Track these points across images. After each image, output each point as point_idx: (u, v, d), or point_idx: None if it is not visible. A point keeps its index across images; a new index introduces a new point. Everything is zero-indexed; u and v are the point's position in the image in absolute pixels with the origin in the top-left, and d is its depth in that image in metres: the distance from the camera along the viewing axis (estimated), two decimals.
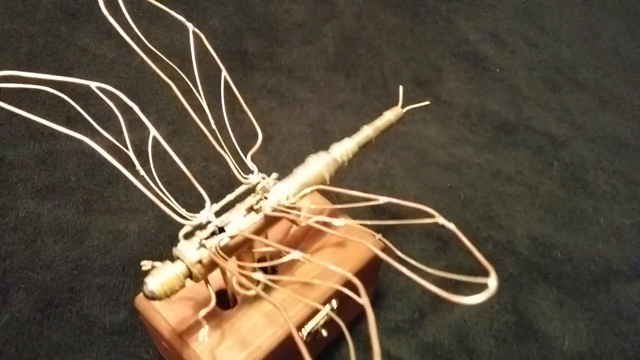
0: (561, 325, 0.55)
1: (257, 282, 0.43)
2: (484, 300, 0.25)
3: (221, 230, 0.36)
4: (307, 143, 0.73)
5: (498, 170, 0.72)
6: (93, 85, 0.36)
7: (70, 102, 0.38)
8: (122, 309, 0.54)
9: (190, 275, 0.35)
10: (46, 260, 0.58)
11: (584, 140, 0.76)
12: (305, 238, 0.47)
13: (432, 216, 0.31)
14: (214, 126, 0.39)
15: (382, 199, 0.33)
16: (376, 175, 0.70)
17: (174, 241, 0.60)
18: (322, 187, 0.40)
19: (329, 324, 0.44)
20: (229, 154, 0.39)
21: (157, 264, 0.39)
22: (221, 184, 0.67)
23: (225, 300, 0.43)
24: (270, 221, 0.38)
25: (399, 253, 0.32)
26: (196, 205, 0.39)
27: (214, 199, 0.38)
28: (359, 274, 0.45)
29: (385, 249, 0.33)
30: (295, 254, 0.32)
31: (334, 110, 0.79)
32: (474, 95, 0.83)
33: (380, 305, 0.55)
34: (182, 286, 0.35)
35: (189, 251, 0.34)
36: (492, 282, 0.25)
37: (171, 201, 0.36)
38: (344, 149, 0.43)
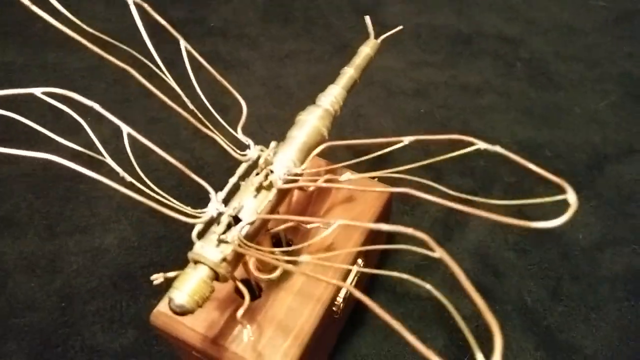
0: (572, 219, 0.55)
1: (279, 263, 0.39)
2: (570, 217, 0.23)
3: (236, 219, 0.32)
4: (266, 104, 0.68)
5: (465, 84, 0.70)
6: (38, 92, 0.30)
7: (19, 117, 0.31)
8: (128, 329, 0.50)
9: (216, 276, 0.31)
10: (26, 301, 0.51)
11: (537, 34, 0.76)
12: (311, 202, 0.43)
13: (469, 144, 0.28)
14: (191, 106, 0.34)
15: (407, 139, 0.30)
16: (348, 118, 0.66)
17: (160, 243, 0.55)
18: (333, 143, 0.36)
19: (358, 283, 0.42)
20: (217, 132, 0.34)
21: (171, 274, 0.35)
22: (216, 169, 0.61)
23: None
24: (283, 195, 0.34)
25: (443, 189, 0.29)
26: (194, 199, 0.34)
27: (215, 188, 0.33)
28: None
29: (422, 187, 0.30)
30: (336, 222, 0.28)
31: (282, 63, 0.74)
32: (419, 14, 0.80)
33: (394, 250, 0.54)
34: (212, 291, 0.30)
35: (210, 251, 0.30)
36: (572, 197, 0.23)
37: (172, 202, 0.31)
38: (332, 97, 0.39)
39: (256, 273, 0.39)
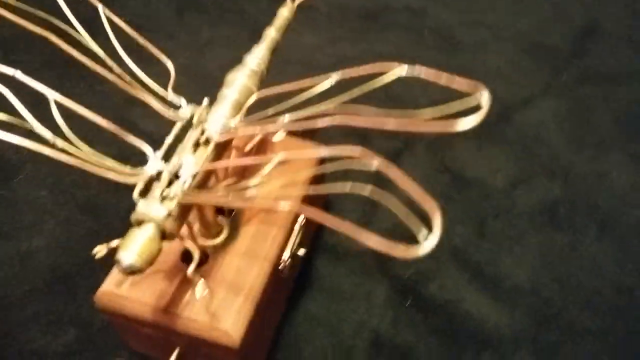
0: (488, 165, 0.60)
1: (221, 229, 0.40)
2: (481, 119, 0.25)
3: (176, 177, 0.32)
4: (190, 91, 0.68)
5: (379, 55, 0.73)
6: None
7: None
8: (68, 328, 0.48)
9: (163, 235, 0.31)
10: None
11: (442, 5, 0.81)
12: (247, 168, 0.44)
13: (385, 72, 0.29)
14: (118, 70, 0.34)
15: (334, 75, 0.32)
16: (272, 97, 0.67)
17: (92, 239, 0.53)
18: (263, 92, 0.36)
19: (301, 244, 0.43)
20: (147, 92, 0.34)
21: (114, 242, 0.34)
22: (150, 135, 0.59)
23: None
24: (221, 150, 0.35)
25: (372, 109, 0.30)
26: (129, 164, 0.34)
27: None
28: (314, 178, 0.44)
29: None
30: (277, 156, 0.29)
31: (201, 52, 0.74)
32: None
33: (333, 210, 0.55)
34: (160, 249, 0.30)
35: (154, 209, 0.30)
36: (484, 97, 0.25)
37: (109, 163, 0.31)
38: (255, 57, 0.40)
39: (201, 240, 0.39)
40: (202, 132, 0.33)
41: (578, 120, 0.65)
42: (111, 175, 0.31)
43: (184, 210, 0.32)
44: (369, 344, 0.46)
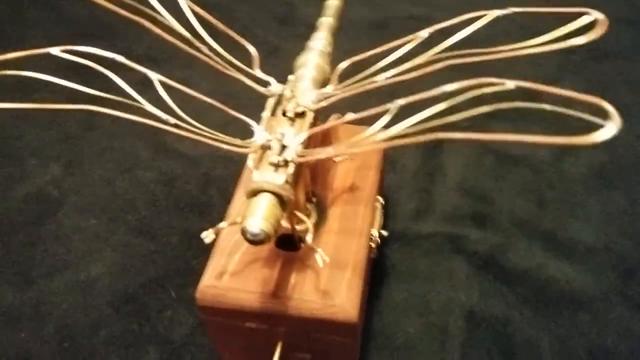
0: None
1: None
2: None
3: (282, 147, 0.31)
4: (221, 114, 0.68)
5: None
6: (56, 50, 0.28)
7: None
8: (148, 348, 0.45)
9: (281, 201, 0.30)
10: (21, 354, 0.45)
11: (442, 11, 0.84)
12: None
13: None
14: (206, 50, 0.34)
15: (423, 33, 0.32)
16: None
17: (154, 258, 0.51)
18: (353, 59, 0.37)
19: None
20: (241, 71, 0.34)
21: (222, 224, 0.34)
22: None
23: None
24: (316, 120, 0.35)
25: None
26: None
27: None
28: None
29: None
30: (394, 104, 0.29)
31: (220, 75, 0.75)
32: None
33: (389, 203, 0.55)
34: (282, 216, 0.30)
35: (271, 176, 0.30)
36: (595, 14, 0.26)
37: (220, 137, 0.31)
38: (318, 39, 0.40)
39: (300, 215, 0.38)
40: (297, 104, 0.33)
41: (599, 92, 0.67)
42: (226, 147, 0.30)
43: (297, 176, 0.31)
44: (463, 320, 0.45)
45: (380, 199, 0.44)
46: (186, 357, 0.44)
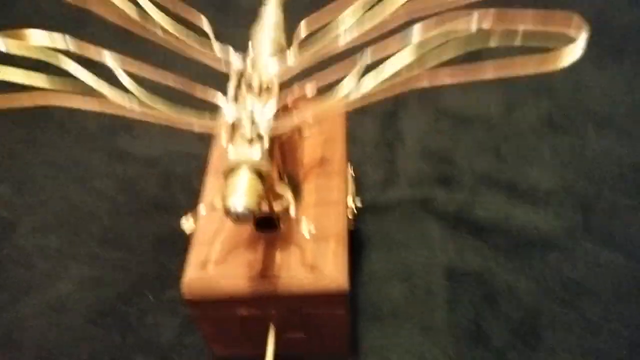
0: (478, 102, 0.63)
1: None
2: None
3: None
4: None
5: None
6: None
7: None
8: (138, 356, 0.44)
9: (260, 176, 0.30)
10: None
11: None
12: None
13: None
14: (160, 30, 0.32)
15: None
16: None
17: (128, 265, 0.50)
18: (314, 18, 0.36)
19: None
20: (198, 49, 0.33)
21: (201, 209, 0.33)
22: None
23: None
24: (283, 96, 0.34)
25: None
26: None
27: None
28: None
29: None
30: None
31: None
32: None
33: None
34: (263, 191, 0.29)
35: (247, 151, 0.29)
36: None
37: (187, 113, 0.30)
38: (269, 6, 0.39)
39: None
40: (261, 76, 0.33)
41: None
42: (196, 127, 0.29)
43: (272, 149, 0.31)
44: (445, 278, 0.46)
45: (351, 169, 0.45)
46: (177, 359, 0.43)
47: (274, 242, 0.37)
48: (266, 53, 0.36)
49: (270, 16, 0.40)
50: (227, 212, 0.28)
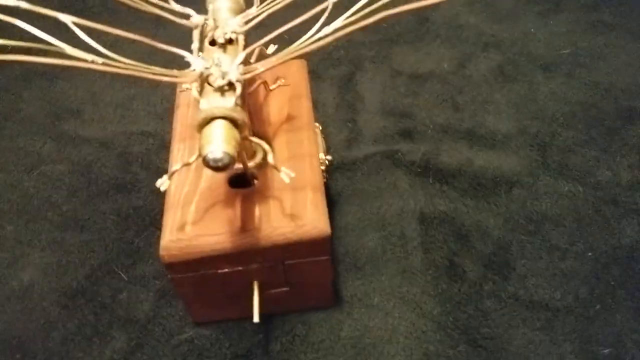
0: (431, 59, 0.64)
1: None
2: None
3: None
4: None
5: None
6: None
7: None
8: (115, 333, 0.42)
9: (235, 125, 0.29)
10: None
11: None
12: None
13: None
14: None
15: None
16: None
17: (93, 247, 0.48)
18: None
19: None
20: (156, 7, 0.32)
21: (175, 166, 0.32)
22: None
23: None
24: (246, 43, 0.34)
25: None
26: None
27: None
28: None
29: None
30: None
31: None
32: None
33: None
34: (240, 139, 0.29)
35: (219, 101, 0.28)
36: None
37: (155, 70, 0.29)
38: None
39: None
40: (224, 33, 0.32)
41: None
42: (166, 79, 0.28)
43: (244, 97, 0.30)
44: (418, 223, 0.47)
45: (318, 125, 0.45)
46: (157, 330, 0.42)
47: (251, 196, 0.36)
48: (224, 9, 0.35)
49: None
50: (206, 161, 0.27)
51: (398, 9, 0.25)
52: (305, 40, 0.29)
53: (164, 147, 0.56)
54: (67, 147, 0.57)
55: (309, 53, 0.29)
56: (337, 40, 0.27)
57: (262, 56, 0.36)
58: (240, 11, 0.36)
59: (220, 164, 0.27)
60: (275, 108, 0.42)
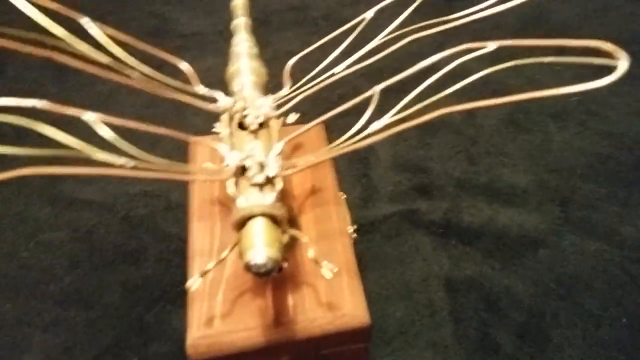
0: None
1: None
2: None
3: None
4: None
5: None
6: None
7: None
8: None
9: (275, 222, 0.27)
10: None
11: None
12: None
13: None
14: (138, 74, 0.29)
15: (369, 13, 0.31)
16: None
17: (95, 324, 0.44)
18: (298, 56, 0.34)
19: None
20: (181, 91, 0.30)
21: (210, 264, 0.30)
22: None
23: None
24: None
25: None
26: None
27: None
28: None
29: None
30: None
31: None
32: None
33: None
34: (281, 237, 0.27)
35: (258, 198, 0.26)
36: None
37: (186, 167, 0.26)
38: (241, 40, 0.37)
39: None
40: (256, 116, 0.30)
41: None
42: (202, 177, 0.26)
43: (283, 192, 0.28)
44: (445, 290, 0.45)
45: (342, 193, 0.43)
46: None
47: (283, 283, 0.34)
48: (248, 86, 0.33)
49: (243, 45, 0.37)
50: (248, 268, 0.25)
51: (451, 108, 0.24)
52: (350, 137, 0.27)
53: (171, 208, 0.54)
54: (65, 211, 0.54)
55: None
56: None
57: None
58: (263, 85, 0.35)
59: (263, 270, 0.25)
60: (297, 180, 0.40)
